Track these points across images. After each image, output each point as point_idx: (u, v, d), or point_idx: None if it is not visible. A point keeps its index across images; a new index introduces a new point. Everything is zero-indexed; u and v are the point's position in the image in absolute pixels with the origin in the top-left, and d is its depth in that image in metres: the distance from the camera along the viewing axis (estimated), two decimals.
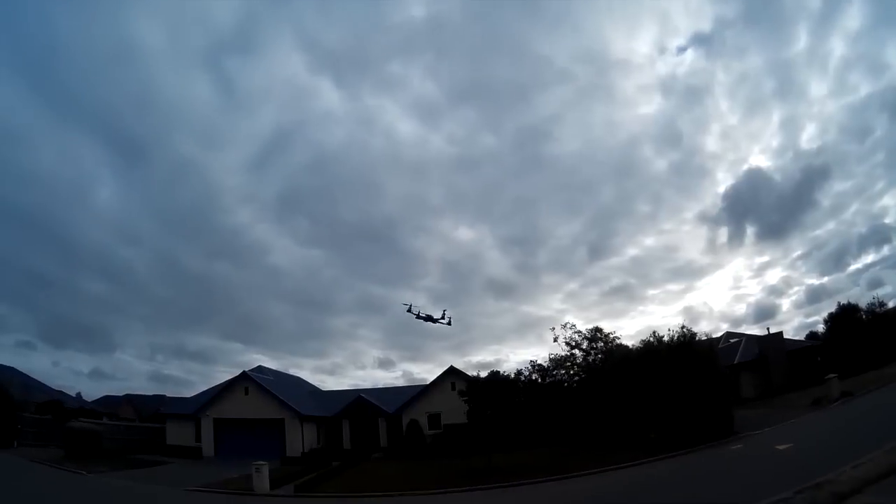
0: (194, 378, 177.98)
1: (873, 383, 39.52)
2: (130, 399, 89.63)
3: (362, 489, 32.16)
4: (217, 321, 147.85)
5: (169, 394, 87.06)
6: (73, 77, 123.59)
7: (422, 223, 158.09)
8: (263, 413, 56.73)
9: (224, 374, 78.67)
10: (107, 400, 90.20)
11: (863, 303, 66.91)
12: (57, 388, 79.14)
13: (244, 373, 60.33)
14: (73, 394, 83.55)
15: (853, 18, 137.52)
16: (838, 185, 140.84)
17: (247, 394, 58.43)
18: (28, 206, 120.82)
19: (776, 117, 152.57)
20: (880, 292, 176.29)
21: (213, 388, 63.58)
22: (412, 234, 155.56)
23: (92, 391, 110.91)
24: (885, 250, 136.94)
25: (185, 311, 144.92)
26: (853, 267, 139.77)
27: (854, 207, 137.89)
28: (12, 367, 72.85)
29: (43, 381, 78.17)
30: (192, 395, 67.12)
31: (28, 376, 74.81)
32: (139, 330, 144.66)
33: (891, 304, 65.99)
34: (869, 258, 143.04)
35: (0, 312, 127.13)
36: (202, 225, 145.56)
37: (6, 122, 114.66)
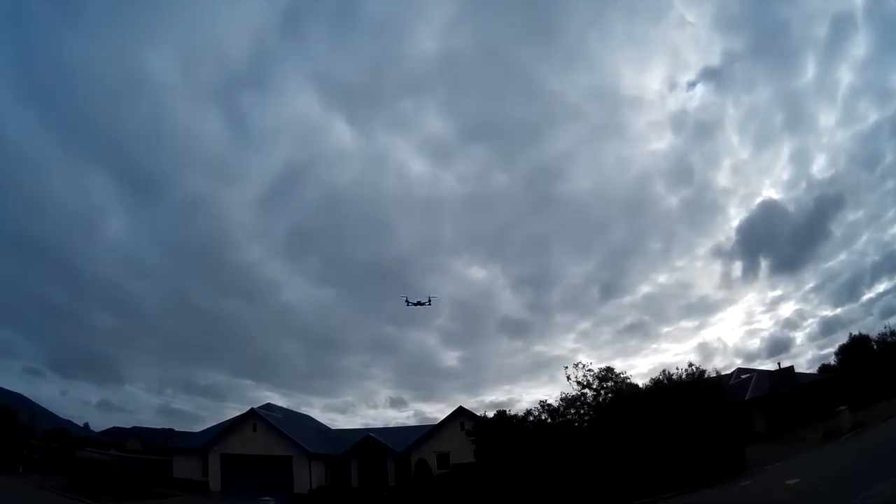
0: (203, 413, 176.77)
1: (886, 414, 39.19)
2: (138, 432, 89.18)
3: None
4: (228, 357, 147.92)
5: (177, 427, 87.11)
6: (85, 107, 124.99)
7: (433, 263, 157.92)
8: (271, 450, 56.48)
9: (233, 411, 78.14)
10: (114, 431, 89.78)
11: (875, 332, 66.70)
12: (65, 417, 79.72)
13: (252, 410, 60.08)
14: (80, 423, 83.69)
15: (859, 46, 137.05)
16: (851, 215, 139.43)
17: (255, 430, 58.18)
18: (38, 234, 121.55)
19: (786, 149, 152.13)
20: (893, 321, 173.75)
21: (221, 423, 63.32)
22: (424, 274, 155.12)
23: (100, 422, 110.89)
24: None
25: (195, 346, 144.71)
26: (866, 296, 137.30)
27: (865, 237, 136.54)
28: (20, 394, 73.28)
29: (51, 410, 78.82)
30: (201, 429, 67.06)
31: (36, 404, 75.39)
32: (149, 363, 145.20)
33: None
34: (882, 287, 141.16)
35: (9, 339, 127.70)
36: (213, 261, 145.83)
37: (17, 149, 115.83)
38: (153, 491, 47.71)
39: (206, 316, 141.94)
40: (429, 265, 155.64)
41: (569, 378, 53.35)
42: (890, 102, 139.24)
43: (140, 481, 52.87)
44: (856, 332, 64.97)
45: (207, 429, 64.90)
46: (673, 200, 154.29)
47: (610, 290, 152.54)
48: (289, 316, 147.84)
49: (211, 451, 56.99)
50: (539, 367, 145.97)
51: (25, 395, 76.50)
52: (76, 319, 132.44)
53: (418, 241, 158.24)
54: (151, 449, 76.15)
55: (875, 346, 63.05)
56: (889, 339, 64.02)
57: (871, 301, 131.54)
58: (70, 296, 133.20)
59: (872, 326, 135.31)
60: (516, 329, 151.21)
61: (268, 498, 33.53)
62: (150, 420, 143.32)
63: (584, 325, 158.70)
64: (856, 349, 61.57)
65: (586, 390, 52.51)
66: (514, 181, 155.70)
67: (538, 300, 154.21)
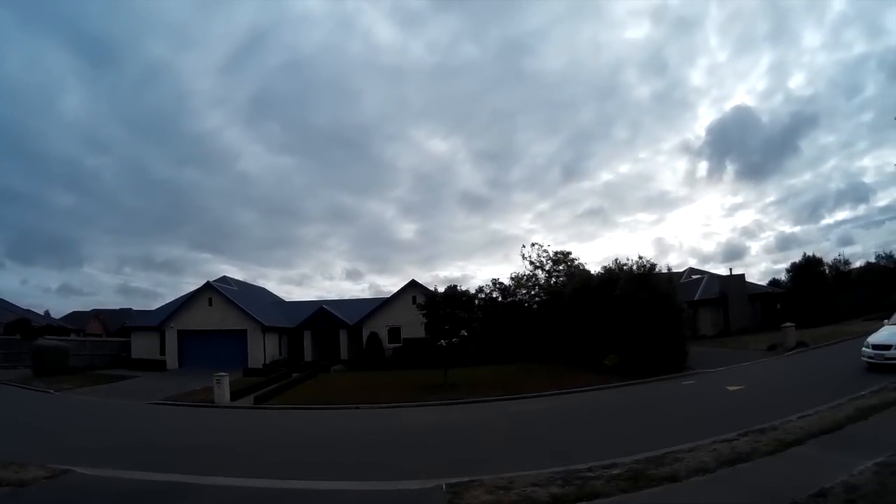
0: (162, 290, 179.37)
1: (829, 338, 39.66)
2: (98, 314, 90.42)
3: (318, 401, 33.05)
4: (186, 230, 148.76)
5: (136, 307, 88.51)
6: None
7: (395, 132, 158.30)
8: (227, 324, 57.78)
9: (191, 286, 79.85)
10: (75, 316, 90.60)
11: (831, 258, 69.45)
12: (25, 307, 79.06)
13: (208, 283, 61.11)
14: (41, 312, 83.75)
15: None
16: (822, 138, 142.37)
17: (211, 304, 59.46)
18: None
19: (766, 60, 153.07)
20: (849, 250, 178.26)
21: (177, 299, 64.42)
22: (385, 143, 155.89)
23: (61, 307, 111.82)
24: (861, 210, 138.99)
25: (153, 220, 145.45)
26: (826, 221, 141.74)
27: (833, 162, 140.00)
28: None
29: (11, 301, 78.19)
30: (158, 306, 67.94)
31: None
32: (107, 242, 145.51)
33: (857, 264, 69.36)
34: (842, 215, 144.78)
35: None
36: (171, 130, 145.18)
37: None
38: (112, 374, 48.55)
39: (165, 188, 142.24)
40: (391, 134, 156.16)
41: (523, 257, 55.41)
42: (878, 38, 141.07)
43: (100, 365, 54.41)
44: (811, 254, 65.30)
45: (164, 305, 66.03)
46: (644, 91, 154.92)
47: (571, 172, 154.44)
48: (247, 185, 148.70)
49: (168, 328, 58.34)
50: (494, 245, 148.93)
51: None
52: (33, 202, 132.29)
53: (382, 110, 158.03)
54: (111, 330, 77.39)
55: (827, 271, 64.61)
56: (842, 268, 67.06)
57: (830, 227, 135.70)
58: (26, 178, 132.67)
59: (828, 251, 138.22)
60: (474, 205, 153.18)
61: (222, 373, 34.41)
62: (110, 301, 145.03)
63: (543, 205, 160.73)
64: (808, 269, 62.16)
65: (539, 271, 54.42)
66: (484, 53, 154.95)
67: (498, 177, 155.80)
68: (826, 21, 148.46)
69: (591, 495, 10.30)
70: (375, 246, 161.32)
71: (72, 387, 39.45)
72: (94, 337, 72.15)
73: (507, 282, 57.69)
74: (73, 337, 64.98)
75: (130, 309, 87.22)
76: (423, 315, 42.03)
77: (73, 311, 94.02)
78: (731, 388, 25.37)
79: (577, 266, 54.79)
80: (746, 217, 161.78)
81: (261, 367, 53.16)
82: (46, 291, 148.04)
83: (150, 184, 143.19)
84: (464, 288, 43.73)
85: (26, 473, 13.11)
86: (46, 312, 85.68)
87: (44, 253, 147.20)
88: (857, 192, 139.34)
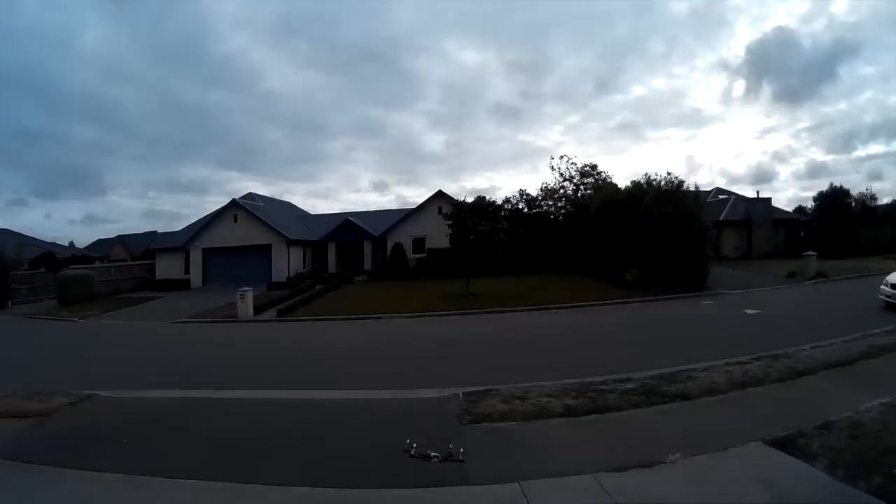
0: (188, 211, 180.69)
1: (849, 272, 39.23)
2: (122, 239, 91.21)
3: (340, 312, 33.07)
4: (212, 151, 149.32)
5: (161, 229, 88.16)
6: None
7: (426, 44, 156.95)
8: (252, 240, 57.87)
9: (217, 205, 79.67)
10: (99, 244, 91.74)
11: (858, 191, 68.51)
12: (50, 241, 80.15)
13: (234, 200, 60.85)
14: (66, 243, 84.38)
15: None
16: (862, 68, 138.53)
17: (236, 221, 59.30)
18: (12, 63, 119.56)
19: None
20: (878, 185, 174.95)
21: (202, 218, 64.65)
22: (415, 55, 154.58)
23: (85, 237, 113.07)
24: (894, 146, 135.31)
25: (178, 144, 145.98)
26: (857, 153, 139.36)
27: (869, 94, 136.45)
28: (5, 229, 73.21)
29: (36, 237, 78.96)
30: (183, 227, 68.09)
31: (21, 234, 75.39)
32: (131, 169, 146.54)
33: (885, 201, 68.03)
34: (875, 149, 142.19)
35: None
36: (195, 55, 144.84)
37: None
38: (137, 296, 49.04)
39: (190, 111, 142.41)
40: (421, 46, 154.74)
41: (552, 168, 54.43)
42: None
43: (125, 289, 54.99)
44: (838, 184, 63.30)
45: (189, 225, 66.32)
46: (681, 6, 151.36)
47: (604, 86, 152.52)
48: (273, 103, 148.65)
49: (192, 247, 58.79)
50: (523, 157, 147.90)
51: (10, 228, 76.93)
52: (56, 139, 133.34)
53: (412, 22, 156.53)
54: (137, 255, 77.60)
55: (853, 204, 63.05)
56: (868, 203, 65.55)
57: (861, 160, 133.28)
58: (49, 117, 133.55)
59: (856, 184, 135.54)
60: (504, 116, 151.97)
61: (246, 288, 34.34)
62: (135, 226, 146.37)
63: (574, 118, 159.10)
64: (834, 200, 60.64)
65: (567, 183, 53.69)
66: None
67: (530, 88, 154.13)
68: None
69: (604, 408, 10.95)
70: (402, 158, 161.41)
71: (97, 313, 39.46)
72: (118, 262, 72.49)
73: (533, 192, 57.80)
74: (97, 264, 64.94)
75: (155, 232, 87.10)
76: (449, 226, 41.77)
77: (98, 239, 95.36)
78: (748, 312, 25.48)
79: (605, 180, 54.75)
80: (778, 141, 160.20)
81: (284, 280, 53.34)
82: (71, 223, 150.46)
83: (174, 109, 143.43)
84: (491, 198, 43.31)
85: (50, 402, 13.25)
86: (71, 243, 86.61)
87: (67, 186, 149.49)
88: (891, 128, 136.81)
